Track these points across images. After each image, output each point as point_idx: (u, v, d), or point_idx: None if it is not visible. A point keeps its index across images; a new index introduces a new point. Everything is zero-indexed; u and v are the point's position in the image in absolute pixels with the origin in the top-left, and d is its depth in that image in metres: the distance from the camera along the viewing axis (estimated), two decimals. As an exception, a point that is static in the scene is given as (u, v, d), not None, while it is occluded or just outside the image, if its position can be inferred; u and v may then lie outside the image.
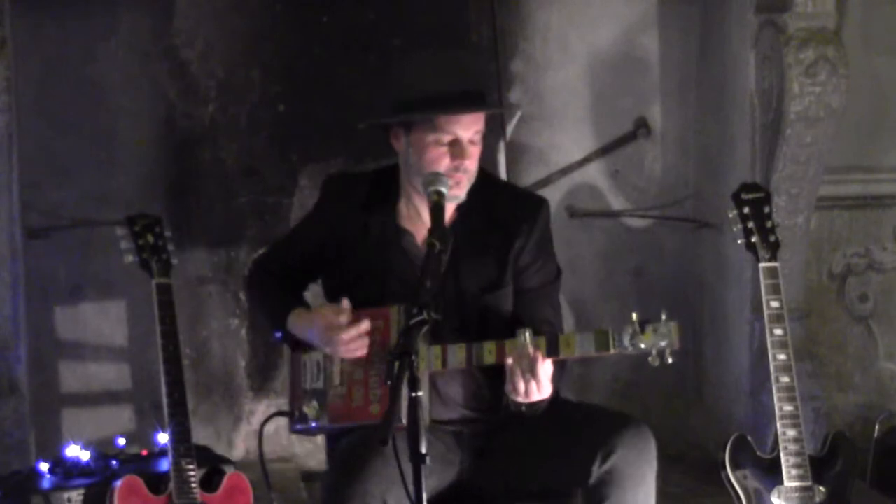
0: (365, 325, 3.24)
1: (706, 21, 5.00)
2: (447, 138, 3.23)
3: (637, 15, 5.05)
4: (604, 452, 3.15)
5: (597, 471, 3.15)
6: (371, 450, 3.06)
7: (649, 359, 3.00)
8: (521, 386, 3.09)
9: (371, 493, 3.07)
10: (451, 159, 3.23)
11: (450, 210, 3.30)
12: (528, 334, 3.10)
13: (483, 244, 3.34)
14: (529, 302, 3.35)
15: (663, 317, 2.99)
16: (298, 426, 3.37)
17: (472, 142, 3.25)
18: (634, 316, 3.01)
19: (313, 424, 3.33)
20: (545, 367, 3.09)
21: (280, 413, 3.45)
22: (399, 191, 3.37)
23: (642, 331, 2.99)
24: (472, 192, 3.32)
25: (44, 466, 4.01)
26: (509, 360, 3.11)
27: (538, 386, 3.09)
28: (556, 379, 3.16)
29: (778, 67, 4.50)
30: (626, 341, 3.00)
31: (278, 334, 3.41)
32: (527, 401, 3.12)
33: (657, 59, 5.07)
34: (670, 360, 2.99)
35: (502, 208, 3.37)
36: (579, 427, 3.25)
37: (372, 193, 3.39)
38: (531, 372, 3.08)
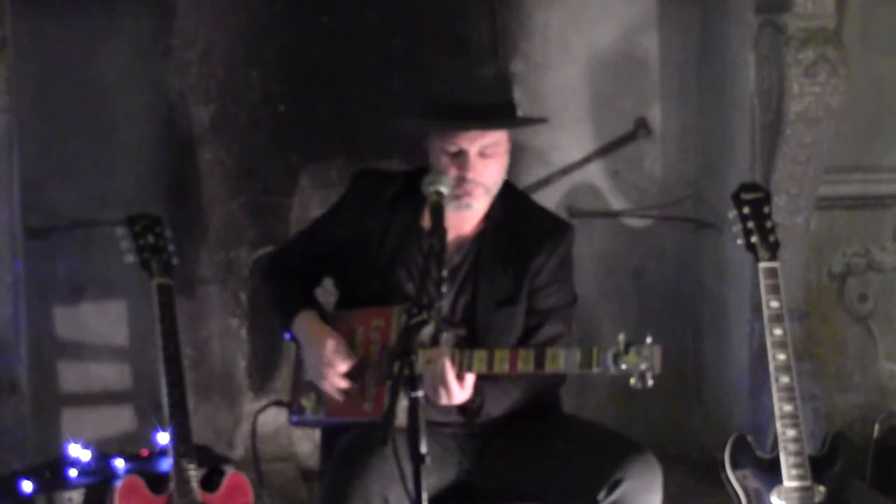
0: (348, 384, 3.26)
1: (706, 21, 5.00)
2: (452, 149, 3.25)
3: (637, 15, 5.04)
4: (611, 482, 3.16)
5: (603, 499, 3.16)
6: (371, 448, 3.07)
7: (631, 381, 3.01)
8: (430, 388, 3.07)
9: (372, 490, 3.08)
10: (456, 169, 3.25)
11: (475, 220, 3.35)
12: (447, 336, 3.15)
13: (504, 259, 3.35)
14: (539, 322, 3.35)
15: (648, 340, 3.01)
16: (295, 417, 3.41)
17: (481, 154, 3.26)
18: (621, 336, 3.02)
19: (310, 417, 3.36)
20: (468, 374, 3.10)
21: (277, 402, 3.48)
22: None
23: (626, 352, 3.01)
24: (500, 207, 3.35)
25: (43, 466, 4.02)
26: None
27: (446, 389, 3.09)
28: (489, 393, 3.18)
29: (778, 68, 4.50)
30: (609, 361, 3.01)
31: (287, 334, 3.42)
32: (435, 401, 3.10)
33: (657, 60, 5.07)
34: (651, 384, 3.00)
35: (528, 227, 3.38)
36: (587, 448, 3.26)
37: (401, 193, 3.39)
38: (435, 372, 3.08)
